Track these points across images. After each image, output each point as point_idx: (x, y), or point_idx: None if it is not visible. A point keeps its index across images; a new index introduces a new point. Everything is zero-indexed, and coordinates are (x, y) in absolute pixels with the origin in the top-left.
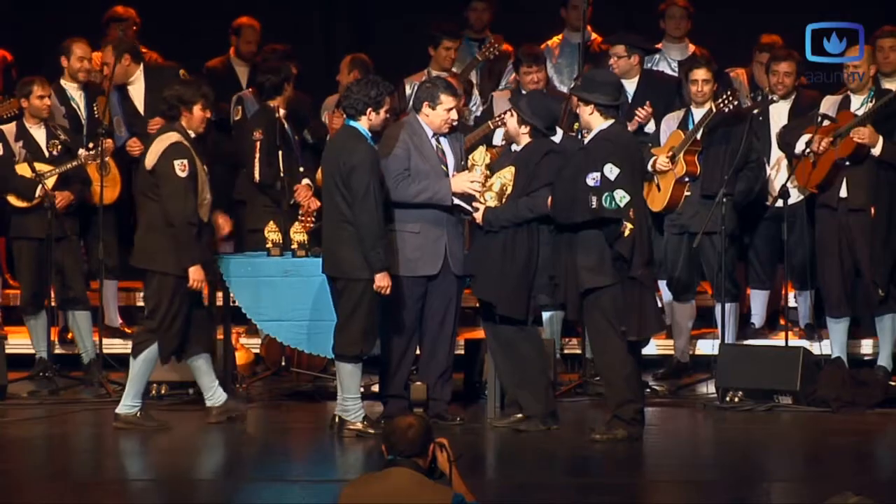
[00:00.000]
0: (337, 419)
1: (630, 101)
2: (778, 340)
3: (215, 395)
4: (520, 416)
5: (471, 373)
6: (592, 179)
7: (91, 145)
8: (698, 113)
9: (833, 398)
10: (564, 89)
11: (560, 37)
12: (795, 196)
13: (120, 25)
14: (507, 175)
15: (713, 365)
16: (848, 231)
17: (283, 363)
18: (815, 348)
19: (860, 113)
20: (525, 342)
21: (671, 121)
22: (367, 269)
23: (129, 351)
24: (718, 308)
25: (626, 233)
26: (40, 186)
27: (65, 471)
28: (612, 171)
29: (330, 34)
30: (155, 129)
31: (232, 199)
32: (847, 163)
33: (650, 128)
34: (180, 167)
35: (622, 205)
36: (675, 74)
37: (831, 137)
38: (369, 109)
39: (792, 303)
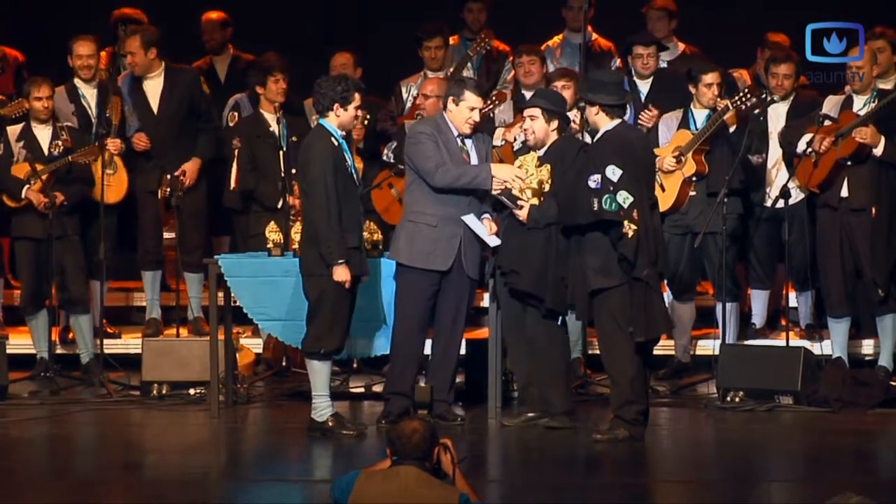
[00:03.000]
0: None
1: (643, 100)
2: (779, 340)
3: None
4: (531, 414)
5: (473, 373)
6: (593, 181)
7: (110, 142)
8: (700, 113)
9: (834, 398)
10: None
11: (561, 37)
12: (795, 196)
13: (128, 27)
14: (544, 172)
15: (714, 365)
16: (849, 231)
17: (284, 363)
18: (816, 348)
19: (862, 113)
20: (558, 340)
21: (670, 121)
22: (323, 265)
23: (128, 351)
24: (719, 308)
25: (630, 234)
26: (26, 187)
27: (66, 471)
28: (614, 173)
29: (328, 36)
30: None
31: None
32: (849, 163)
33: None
34: None
35: (625, 206)
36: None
37: (833, 137)
38: (336, 105)
39: (793, 303)
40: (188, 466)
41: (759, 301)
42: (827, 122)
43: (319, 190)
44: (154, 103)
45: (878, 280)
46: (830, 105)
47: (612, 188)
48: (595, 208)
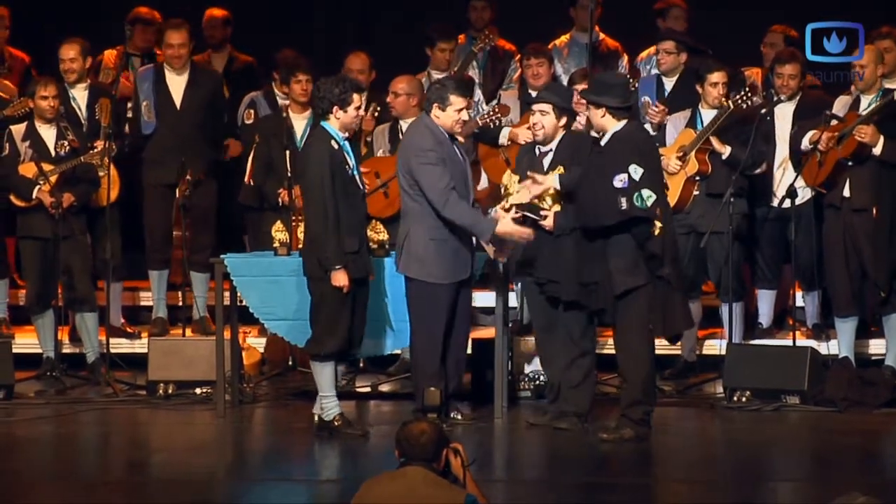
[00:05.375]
0: (317, 418)
1: (665, 97)
2: (785, 340)
3: None
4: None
5: (479, 372)
6: (619, 181)
7: (98, 145)
8: (707, 113)
9: (840, 398)
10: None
11: (568, 36)
12: (802, 196)
13: (145, 28)
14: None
15: (721, 365)
16: (852, 231)
17: (290, 363)
18: (823, 348)
19: (864, 113)
20: (590, 342)
21: (678, 120)
22: (321, 268)
23: (134, 351)
24: (724, 308)
25: (657, 232)
26: (37, 188)
27: (71, 470)
28: (636, 172)
29: (333, 35)
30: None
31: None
32: (850, 163)
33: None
34: None
35: (650, 204)
36: None
37: (837, 135)
38: (335, 108)
39: (799, 302)
40: (194, 466)
41: (765, 301)
42: (834, 122)
43: (317, 195)
44: (178, 98)
45: (878, 281)
46: (840, 105)
47: (637, 186)
48: (624, 207)
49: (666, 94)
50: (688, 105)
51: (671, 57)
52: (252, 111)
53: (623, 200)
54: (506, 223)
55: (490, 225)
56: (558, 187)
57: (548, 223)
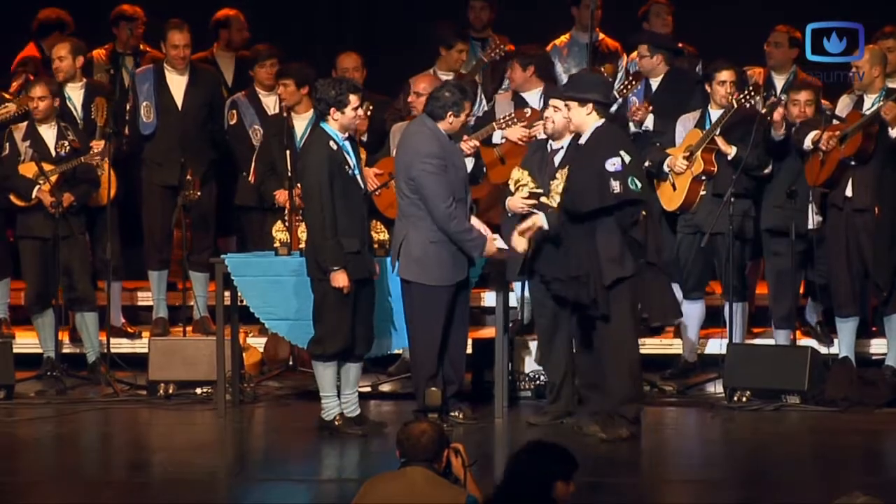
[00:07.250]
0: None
1: (651, 97)
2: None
3: None
4: (558, 413)
5: (479, 373)
6: (612, 165)
7: (98, 145)
8: (716, 113)
9: (841, 398)
10: None
11: (568, 36)
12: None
13: (129, 25)
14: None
15: (721, 364)
16: (854, 231)
17: (291, 363)
18: (823, 348)
19: (868, 113)
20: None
21: (688, 121)
22: (321, 269)
23: (135, 351)
24: (727, 307)
25: (640, 218)
26: (37, 187)
27: (72, 471)
28: (627, 157)
29: (334, 36)
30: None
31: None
32: (852, 162)
33: (648, 124)
34: None
35: (640, 189)
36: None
37: (839, 135)
38: (332, 109)
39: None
40: (195, 466)
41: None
42: (835, 122)
43: (315, 197)
44: (178, 98)
45: (879, 281)
46: (842, 105)
47: (629, 170)
48: (617, 191)
49: (652, 93)
50: (673, 105)
51: (645, 60)
52: (235, 112)
53: (616, 184)
54: (492, 245)
55: (482, 242)
56: (546, 227)
57: (539, 221)
